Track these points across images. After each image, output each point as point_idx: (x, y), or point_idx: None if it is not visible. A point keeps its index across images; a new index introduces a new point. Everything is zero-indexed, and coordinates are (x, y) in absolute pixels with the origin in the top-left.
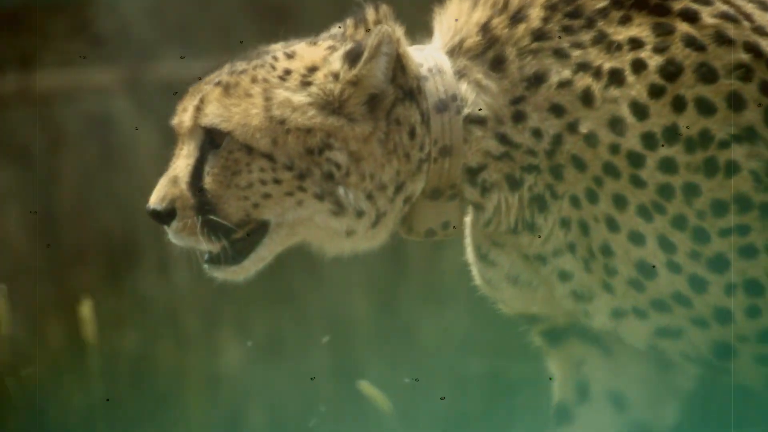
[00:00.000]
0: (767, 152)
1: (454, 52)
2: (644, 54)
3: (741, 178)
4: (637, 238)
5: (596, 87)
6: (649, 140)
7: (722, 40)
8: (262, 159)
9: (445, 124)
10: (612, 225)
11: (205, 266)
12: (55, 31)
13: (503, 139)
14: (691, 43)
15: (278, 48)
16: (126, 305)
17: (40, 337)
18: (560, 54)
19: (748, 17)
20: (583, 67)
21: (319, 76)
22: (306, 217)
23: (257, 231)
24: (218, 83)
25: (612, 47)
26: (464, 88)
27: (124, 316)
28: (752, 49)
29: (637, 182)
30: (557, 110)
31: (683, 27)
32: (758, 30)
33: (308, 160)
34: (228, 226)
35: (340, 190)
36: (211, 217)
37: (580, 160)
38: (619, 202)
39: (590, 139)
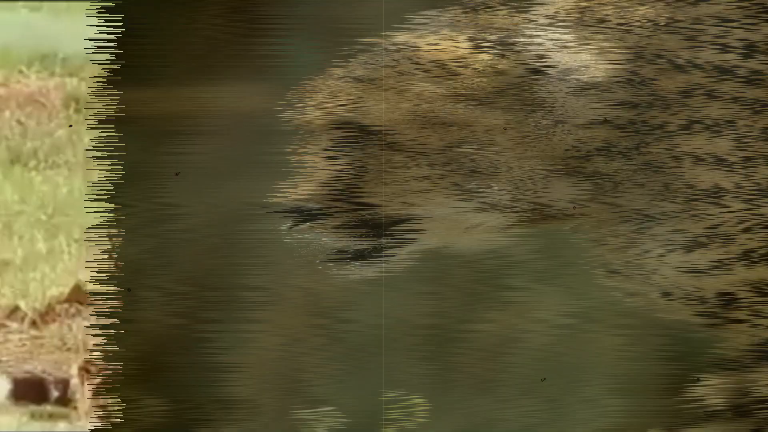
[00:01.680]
0: None
1: None
2: None
3: None
4: None
5: None
6: None
7: None
8: (413, 154)
9: None
10: None
11: (351, 264)
12: None
13: None
14: None
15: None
16: None
17: None
18: None
19: None
20: None
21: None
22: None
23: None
24: (357, 78)
25: None
26: None
27: None
28: None
29: None
30: None
31: None
32: None
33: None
34: (381, 222)
35: None
36: (368, 213)
37: None
38: None
39: None
